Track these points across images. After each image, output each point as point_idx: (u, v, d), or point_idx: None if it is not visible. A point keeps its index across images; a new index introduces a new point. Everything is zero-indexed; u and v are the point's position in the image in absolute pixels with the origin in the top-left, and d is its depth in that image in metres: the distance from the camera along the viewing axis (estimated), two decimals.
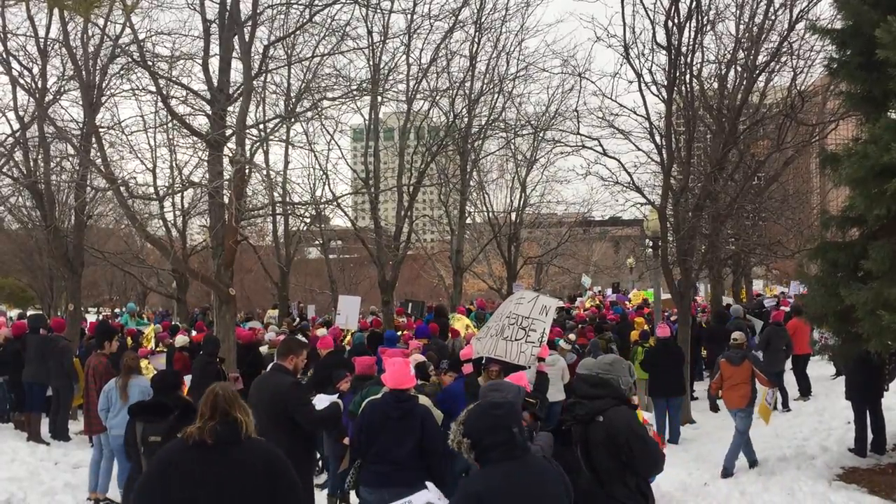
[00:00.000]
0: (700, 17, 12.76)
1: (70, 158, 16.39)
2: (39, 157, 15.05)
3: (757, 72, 13.25)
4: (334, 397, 6.41)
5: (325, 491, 8.27)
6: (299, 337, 14.20)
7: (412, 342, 10.83)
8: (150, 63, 11.59)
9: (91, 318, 25.97)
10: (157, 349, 15.04)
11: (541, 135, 20.32)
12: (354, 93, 14.34)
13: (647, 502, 4.60)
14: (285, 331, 16.25)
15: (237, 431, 3.68)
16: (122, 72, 14.26)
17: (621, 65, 17.68)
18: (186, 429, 3.70)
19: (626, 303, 28.08)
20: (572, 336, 13.67)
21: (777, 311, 16.11)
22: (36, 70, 14.58)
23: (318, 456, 9.36)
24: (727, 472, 9.23)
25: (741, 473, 9.02)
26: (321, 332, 13.93)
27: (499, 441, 3.49)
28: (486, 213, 23.46)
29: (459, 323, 14.58)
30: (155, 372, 10.78)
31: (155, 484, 3.66)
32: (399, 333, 14.19)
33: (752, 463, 9.47)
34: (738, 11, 13.45)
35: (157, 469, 3.73)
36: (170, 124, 14.23)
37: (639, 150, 14.90)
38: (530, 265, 26.08)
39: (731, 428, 9.52)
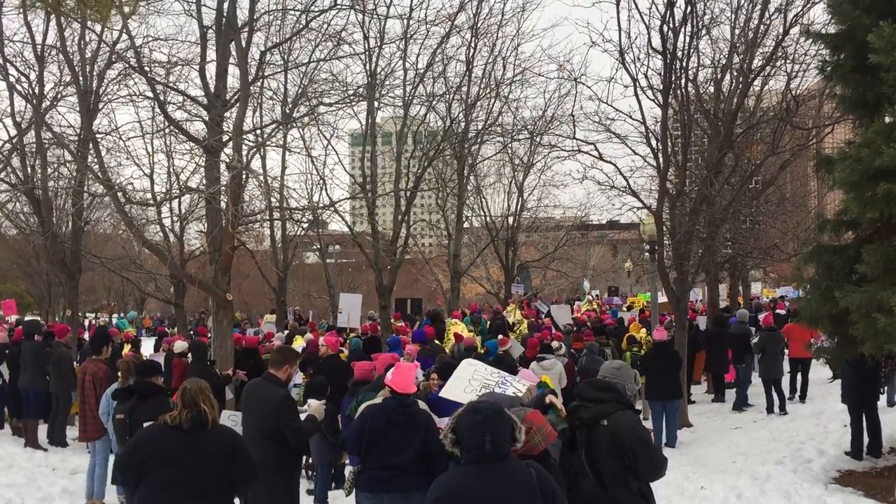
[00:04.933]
0: (695, 22, 12.79)
1: (67, 164, 16.37)
2: (37, 162, 15.02)
3: (752, 76, 13.26)
4: (322, 402, 6.39)
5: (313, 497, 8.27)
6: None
7: (408, 347, 10.83)
8: (147, 69, 11.61)
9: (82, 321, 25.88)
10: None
11: (537, 139, 20.37)
12: (351, 98, 14.36)
13: None
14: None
15: (204, 419, 4.39)
16: (119, 78, 14.27)
17: (617, 69, 17.75)
18: (166, 415, 4.46)
19: (623, 306, 27.98)
20: (555, 344, 13.65)
21: (766, 315, 16.07)
22: (33, 76, 14.60)
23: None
24: None
25: (738, 476, 9.03)
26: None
27: (472, 444, 3.59)
28: (483, 218, 23.55)
29: (456, 327, 14.56)
30: None
31: (136, 457, 4.42)
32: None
33: None
34: (733, 16, 13.46)
35: (139, 445, 4.49)
36: (167, 130, 14.27)
37: (635, 154, 14.78)
38: (526, 268, 26.14)
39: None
